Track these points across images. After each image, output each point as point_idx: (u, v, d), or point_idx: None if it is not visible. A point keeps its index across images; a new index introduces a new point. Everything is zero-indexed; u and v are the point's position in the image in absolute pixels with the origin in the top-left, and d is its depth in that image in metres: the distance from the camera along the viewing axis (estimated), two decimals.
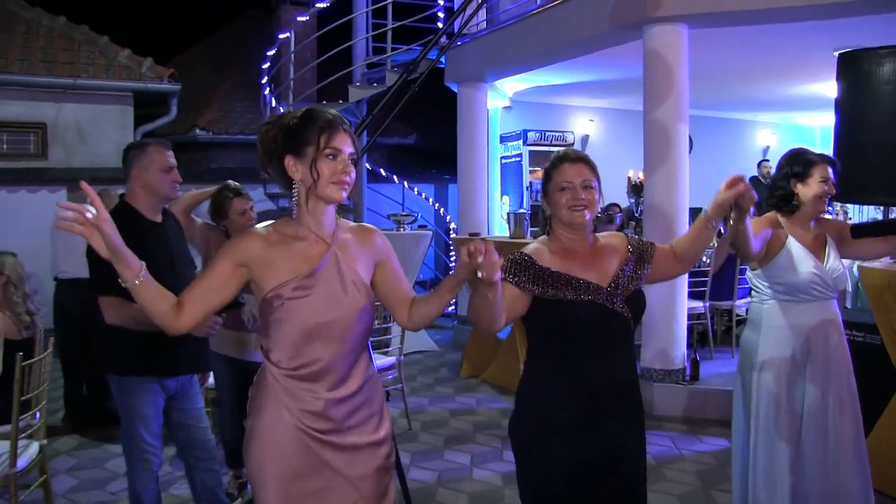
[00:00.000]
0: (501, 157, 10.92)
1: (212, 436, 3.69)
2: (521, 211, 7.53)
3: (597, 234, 2.63)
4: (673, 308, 6.26)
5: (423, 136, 14.29)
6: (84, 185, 1.99)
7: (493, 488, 4.75)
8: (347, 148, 2.19)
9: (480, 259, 2.03)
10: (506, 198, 10.80)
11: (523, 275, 2.46)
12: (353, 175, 2.22)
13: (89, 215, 1.94)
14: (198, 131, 12.53)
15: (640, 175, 7.92)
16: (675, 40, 6.25)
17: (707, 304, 7.26)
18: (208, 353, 3.82)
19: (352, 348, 2.26)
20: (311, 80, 11.79)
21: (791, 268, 3.35)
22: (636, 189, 7.87)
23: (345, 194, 2.21)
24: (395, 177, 10.88)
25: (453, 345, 9.16)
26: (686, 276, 6.45)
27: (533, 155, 10.71)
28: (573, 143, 11.30)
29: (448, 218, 10.84)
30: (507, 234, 7.43)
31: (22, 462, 3.74)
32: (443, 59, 9.75)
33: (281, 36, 10.35)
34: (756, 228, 3.21)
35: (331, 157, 2.16)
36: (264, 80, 10.40)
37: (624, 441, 2.54)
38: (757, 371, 3.42)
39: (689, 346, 6.60)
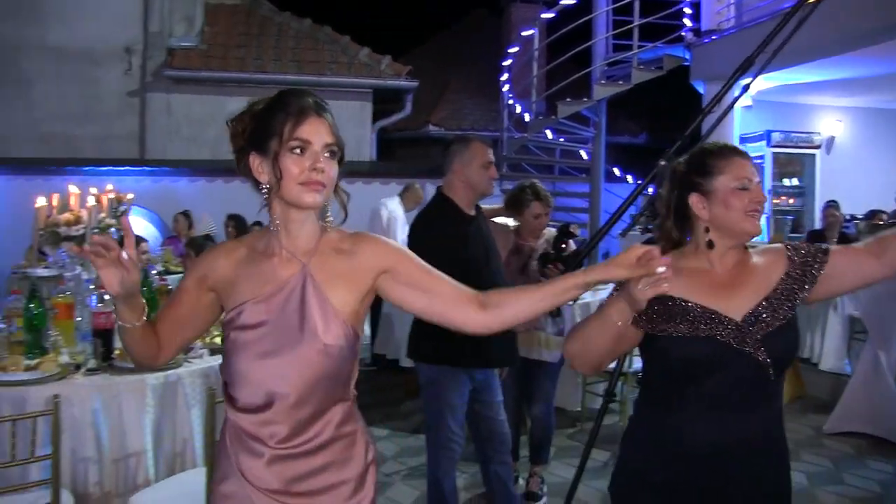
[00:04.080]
0: None
1: (508, 429, 3.72)
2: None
3: (750, 248, 2.02)
4: None
5: (652, 135, 13.98)
6: (125, 222, 1.94)
7: None
8: (320, 138, 1.72)
9: (663, 269, 1.62)
10: None
11: None
12: (333, 172, 1.74)
13: (120, 253, 1.64)
14: (430, 127, 12.90)
15: None
16: None
17: None
18: (517, 348, 3.82)
19: (306, 398, 1.76)
20: (541, 78, 11.80)
21: None
22: None
23: (318, 198, 1.72)
24: (629, 177, 10.70)
25: None
26: None
27: (776, 157, 10.23)
28: (819, 146, 10.70)
29: None
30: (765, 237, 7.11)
31: None
32: (687, 57, 9.51)
33: (524, 33, 10.41)
34: None
35: (297, 150, 1.70)
36: (503, 78, 10.50)
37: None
38: None
39: None
